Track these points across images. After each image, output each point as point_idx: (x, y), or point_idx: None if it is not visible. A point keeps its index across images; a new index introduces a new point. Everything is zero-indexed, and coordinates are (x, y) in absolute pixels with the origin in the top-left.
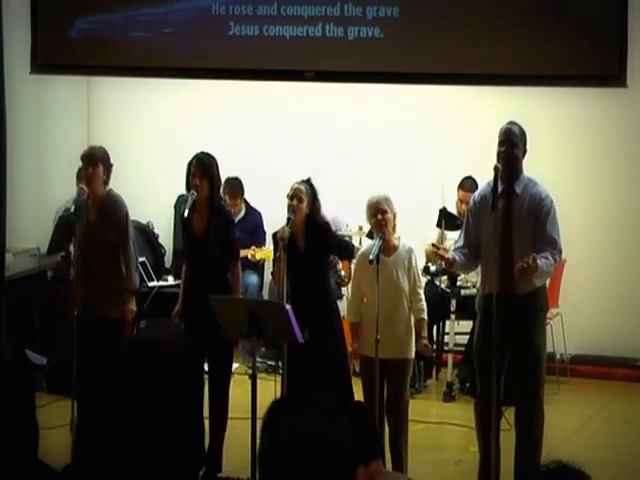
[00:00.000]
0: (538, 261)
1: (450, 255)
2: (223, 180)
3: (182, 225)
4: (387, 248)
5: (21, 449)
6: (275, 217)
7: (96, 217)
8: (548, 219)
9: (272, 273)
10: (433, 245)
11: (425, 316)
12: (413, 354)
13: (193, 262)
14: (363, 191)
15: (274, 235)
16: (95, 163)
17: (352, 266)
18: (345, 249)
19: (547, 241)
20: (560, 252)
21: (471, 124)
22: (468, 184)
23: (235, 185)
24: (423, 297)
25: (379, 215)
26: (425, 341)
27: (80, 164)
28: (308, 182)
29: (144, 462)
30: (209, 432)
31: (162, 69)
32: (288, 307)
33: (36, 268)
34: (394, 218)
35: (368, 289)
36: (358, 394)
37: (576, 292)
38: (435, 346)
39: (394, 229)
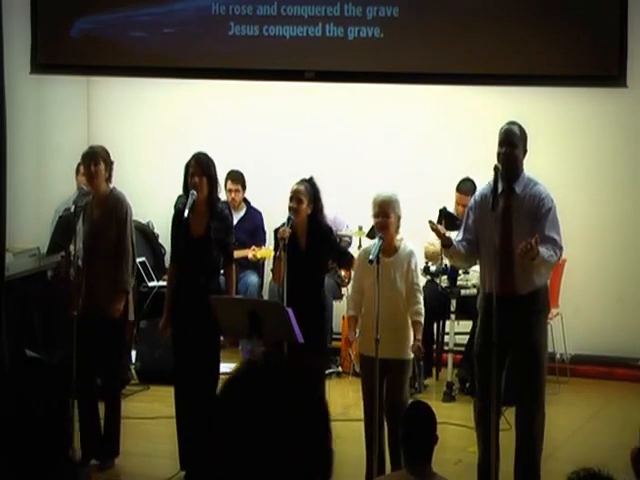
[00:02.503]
0: (539, 247)
1: (447, 234)
2: (226, 173)
3: (180, 225)
4: (387, 249)
5: (54, 449)
6: (276, 217)
7: (100, 215)
8: (548, 218)
9: (272, 270)
10: (430, 222)
11: (421, 320)
12: (412, 355)
13: (189, 263)
14: (363, 191)
15: (276, 231)
16: (97, 161)
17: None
18: (343, 258)
19: (547, 240)
20: (561, 249)
21: (471, 124)
22: (465, 186)
23: (237, 173)
24: (421, 301)
25: (380, 217)
26: (419, 344)
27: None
28: (310, 181)
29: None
30: None
31: (162, 69)
32: (288, 307)
33: (36, 268)
34: (398, 220)
35: (367, 287)
36: (357, 393)
37: (576, 292)
38: (435, 346)
39: (397, 230)
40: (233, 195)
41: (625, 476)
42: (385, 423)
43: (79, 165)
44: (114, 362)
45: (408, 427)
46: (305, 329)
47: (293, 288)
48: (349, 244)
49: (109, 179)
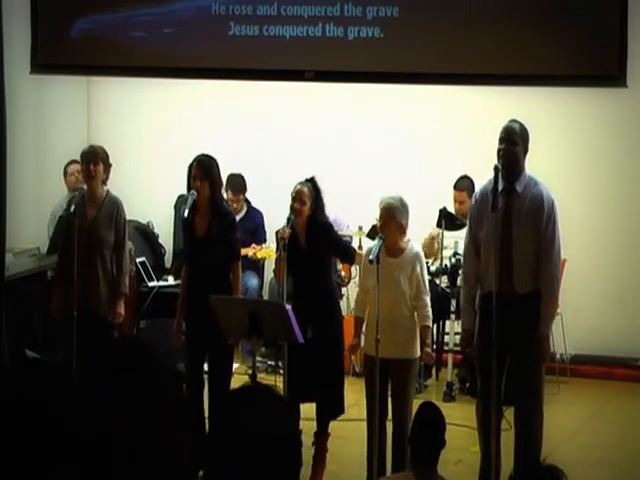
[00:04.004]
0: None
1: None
2: (226, 176)
3: (183, 226)
4: (393, 250)
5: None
6: (276, 217)
7: (96, 216)
8: (549, 222)
9: (274, 271)
10: None
11: (429, 323)
12: (417, 355)
13: (195, 263)
14: (363, 191)
15: (277, 233)
16: (96, 161)
17: (352, 267)
18: (346, 252)
19: (546, 250)
20: (559, 255)
21: (471, 124)
22: (462, 184)
23: (238, 182)
24: (429, 304)
25: (380, 221)
26: (428, 349)
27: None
28: (312, 181)
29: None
30: None
31: (162, 69)
32: (288, 307)
33: (36, 268)
34: (400, 226)
35: (371, 287)
36: (361, 394)
37: (576, 292)
38: (435, 346)
39: (403, 233)
40: (235, 206)
41: (624, 474)
42: (388, 423)
43: (66, 167)
44: None
45: (417, 428)
46: (317, 326)
47: (300, 288)
48: (349, 243)
49: (106, 181)
